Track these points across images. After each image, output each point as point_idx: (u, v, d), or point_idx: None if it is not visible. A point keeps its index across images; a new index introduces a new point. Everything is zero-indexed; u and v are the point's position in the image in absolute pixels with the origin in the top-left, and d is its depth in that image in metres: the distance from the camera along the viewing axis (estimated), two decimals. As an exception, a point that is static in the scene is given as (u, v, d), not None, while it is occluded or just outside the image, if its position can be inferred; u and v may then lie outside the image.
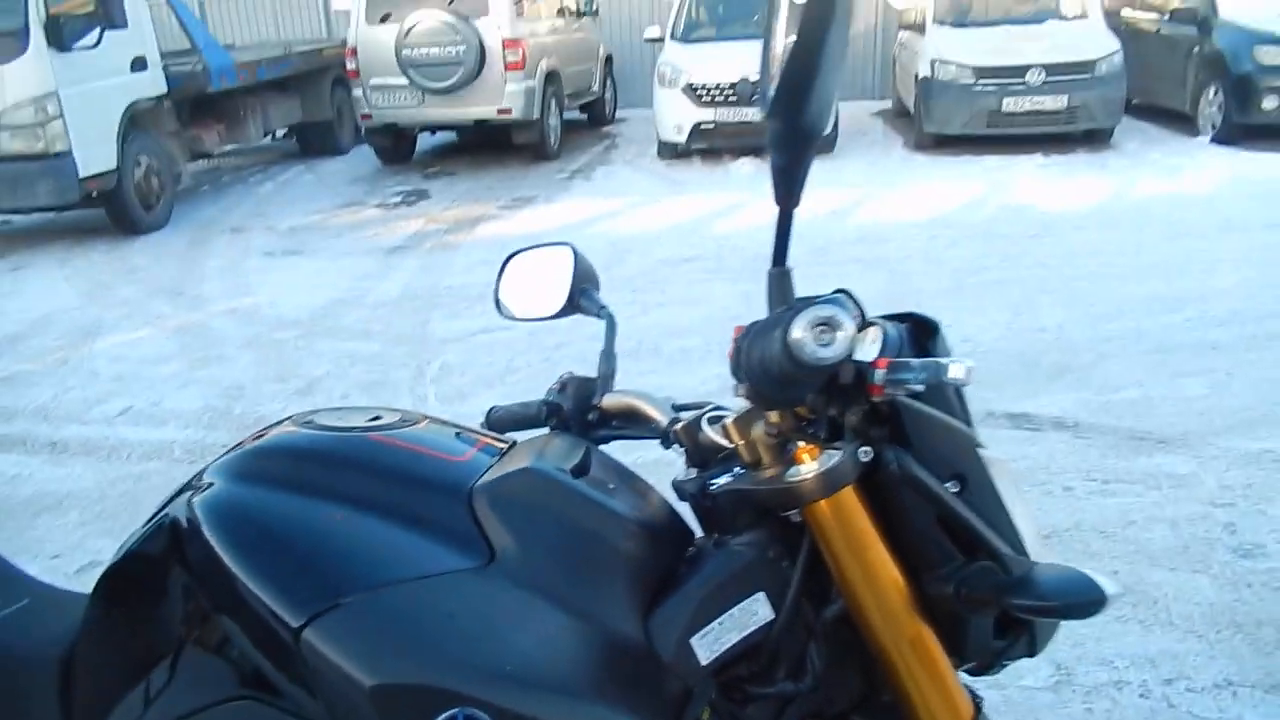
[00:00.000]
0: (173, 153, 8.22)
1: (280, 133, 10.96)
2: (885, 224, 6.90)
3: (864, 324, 0.90)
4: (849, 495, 0.92)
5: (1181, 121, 9.79)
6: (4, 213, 7.49)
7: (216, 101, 8.95)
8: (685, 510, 1.05)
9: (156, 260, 7.03)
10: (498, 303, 1.27)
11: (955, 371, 0.85)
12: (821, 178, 7.88)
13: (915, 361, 0.87)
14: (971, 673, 1.07)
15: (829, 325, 0.85)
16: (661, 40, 10.26)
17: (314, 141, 10.88)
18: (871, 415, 0.92)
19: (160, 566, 0.93)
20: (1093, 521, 3.03)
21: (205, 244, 7.46)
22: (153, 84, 7.84)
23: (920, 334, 1.00)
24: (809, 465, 0.92)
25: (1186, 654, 2.39)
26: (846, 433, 0.93)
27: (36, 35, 6.79)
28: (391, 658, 0.82)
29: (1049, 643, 1.05)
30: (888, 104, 12.41)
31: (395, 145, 10.12)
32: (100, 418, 4.30)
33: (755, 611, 0.93)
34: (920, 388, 0.87)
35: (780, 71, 0.79)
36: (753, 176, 8.82)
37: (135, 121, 7.63)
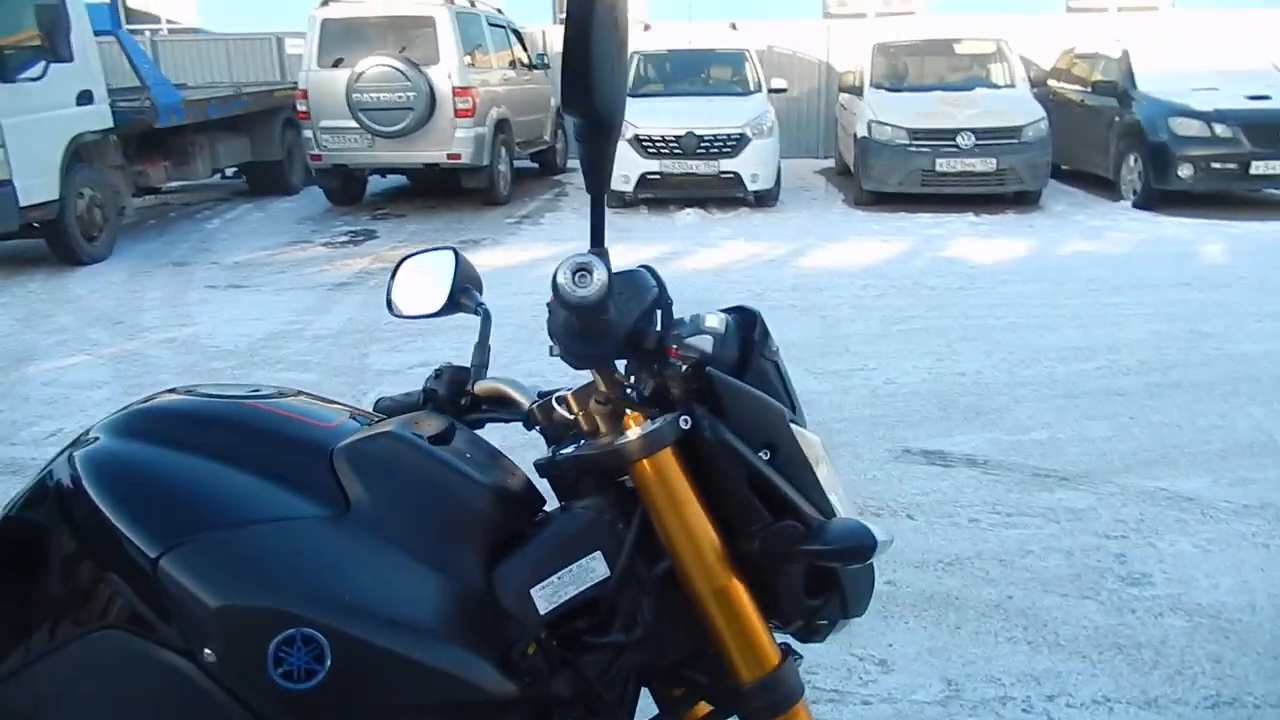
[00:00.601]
0: (118, 186, 8.22)
1: (230, 171, 10.98)
2: (821, 274, 7.12)
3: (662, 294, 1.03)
4: (669, 457, 1.03)
5: (1105, 186, 10.26)
6: (-61, 240, 7.40)
7: (164, 138, 8.98)
8: (547, 489, 1.15)
9: (96, 290, 7.00)
10: (389, 302, 1.37)
11: (711, 321, 1.04)
12: (763, 230, 8.14)
13: (685, 319, 0.99)
14: (801, 638, 1.16)
15: (585, 270, 0.96)
16: (610, 93, 10.52)
17: (264, 181, 10.92)
18: (695, 391, 1.03)
19: (41, 516, 1.00)
20: (994, 551, 3.16)
21: (147, 276, 7.44)
22: (98, 118, 7.85)
23: (746, 325, 1.11)
24: (634, 430, 1.03)
25: (1070, 673, 2.52)
26: (677, 408, 1.04)
27: (-19, 66, 6.80)
28: (238, 584, 0.90)
29: (864, 606, 1.14)
30: (830, 162, 12.81)
31: (345, 186, 10.19)
32: (28, 439, 4.28)
33: (593, 569, 1.02)
34: (708, 349, 1.00)
35: (560, 67, 0.91)
36: (696, 225, 9.04)
37: (79, 154, 7.63)
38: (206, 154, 9.62)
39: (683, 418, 1.04)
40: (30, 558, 1.00)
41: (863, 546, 0.97)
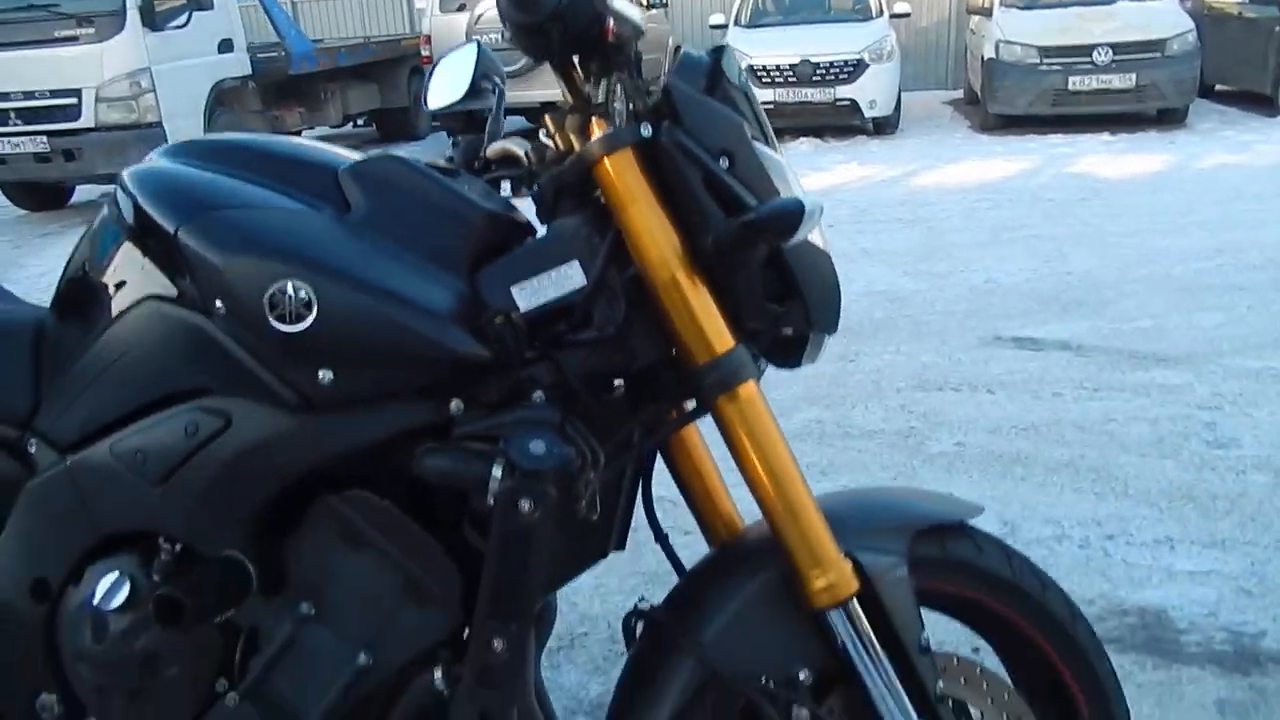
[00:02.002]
0: (257, 129, 8.76)
1: (361, 121, 11.49)
2: (933, 191, 6.93)
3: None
4: (628, 158, 1.08)
5: (1263, 103, 9.51)
6: (102, 179, 8.07)
7: (298, 85, 9.49)
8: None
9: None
10: (424, 99, 1.48)
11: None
12: (878, 155, 7.95)
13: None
14: (777, 361, 1.21)
15: None
16: (726, 27, 10.44)
17: (392, 127, 11.38)
18: (661, 109, 1.08)
19: (104, 222, 1.17)
20: (1073, 419, 3.09)
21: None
22: (238, 65, 8.39)
23: (716, 66, 1.14)
24: (596, 133, 1.10)
25: (1134, 518, 2.46)
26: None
27: (133, 16, 7.37)
28: (239, 246, 1.03)
29: (830, 319, 1.17)
30: (959, 93, 12.32)
31: (467, 127, 10.47)
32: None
33: (570, 276, 1.09)
34: (636, 19, 1.05)
35: None
36: (808, 153, 8.91)
37: (221, 99, 8.18)
38: (338, 100, 10.11)
39: (644, 125, 1.09)
40: (97, 268, 1.17)
41: (790, 211, 1.01)
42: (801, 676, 1.08)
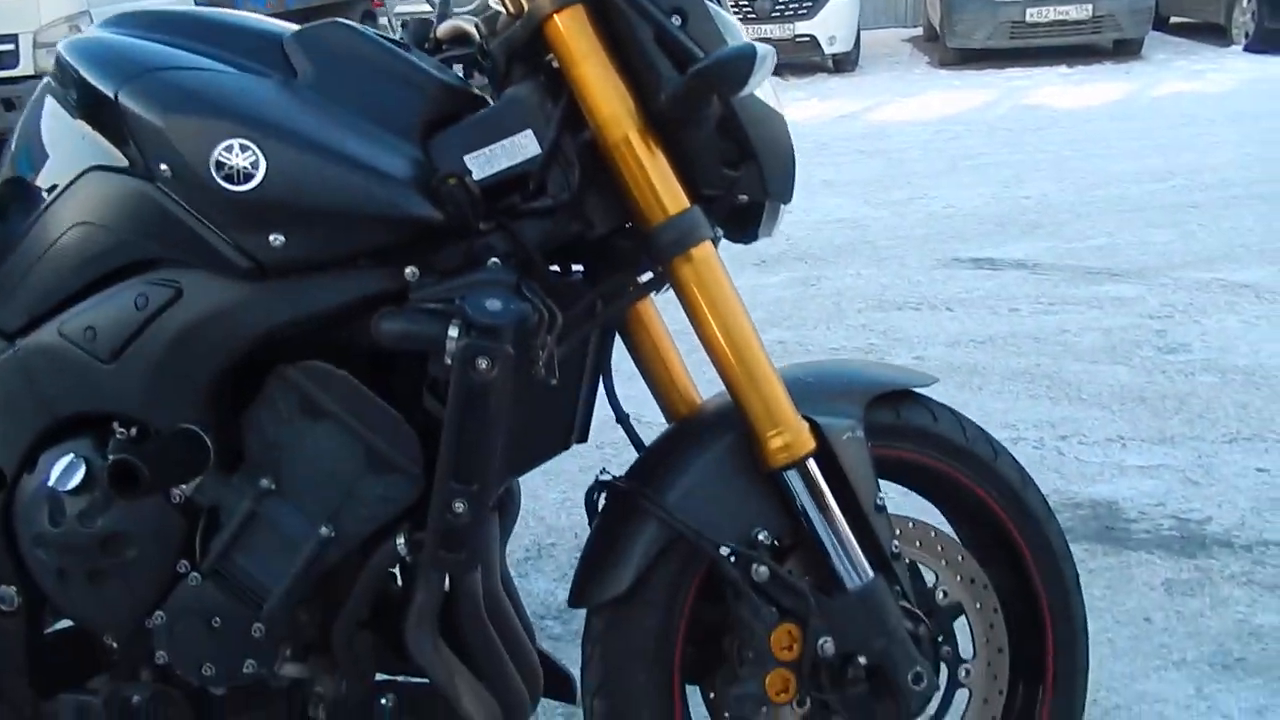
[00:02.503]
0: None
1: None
2: (892, 124, 6.94)
3: None
4: (579, 14, 1.06)
5: (1216, 34, 9.59)
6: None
7: (247, 27, 9.23)
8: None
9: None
10: None
11: None
12: (837, 90, 7.92)
13: None
14: (735, 236, 1.21)
15: None
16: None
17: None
18: None
19: (44, 93, 1.14)
20: (1029, 331, 3.14)
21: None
22: (181, 7, 8.14)
23: None
24: None
25: (1087, 419, 2.52)
26: None
27: (70, -45, 7.10)
28: (182, 105, 1.01)
29: (785, 186, 1.17)
30: (919, 31, 12.27)
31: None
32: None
33: (524, 145, 1.07)
34: None
35: None
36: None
37: (167, 41, 7.93)
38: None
39: None
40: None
41: (742, 57, 1.00)
42: (761, 537, 1.10)
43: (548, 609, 1.97)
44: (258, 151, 0.98)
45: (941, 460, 1.23)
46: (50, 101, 1.13)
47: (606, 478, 1.19)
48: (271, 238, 0.99)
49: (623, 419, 1.28)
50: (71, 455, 1.07)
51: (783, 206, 1.21)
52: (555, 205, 1.07)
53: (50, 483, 1.07)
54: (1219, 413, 2.50)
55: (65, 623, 1.22)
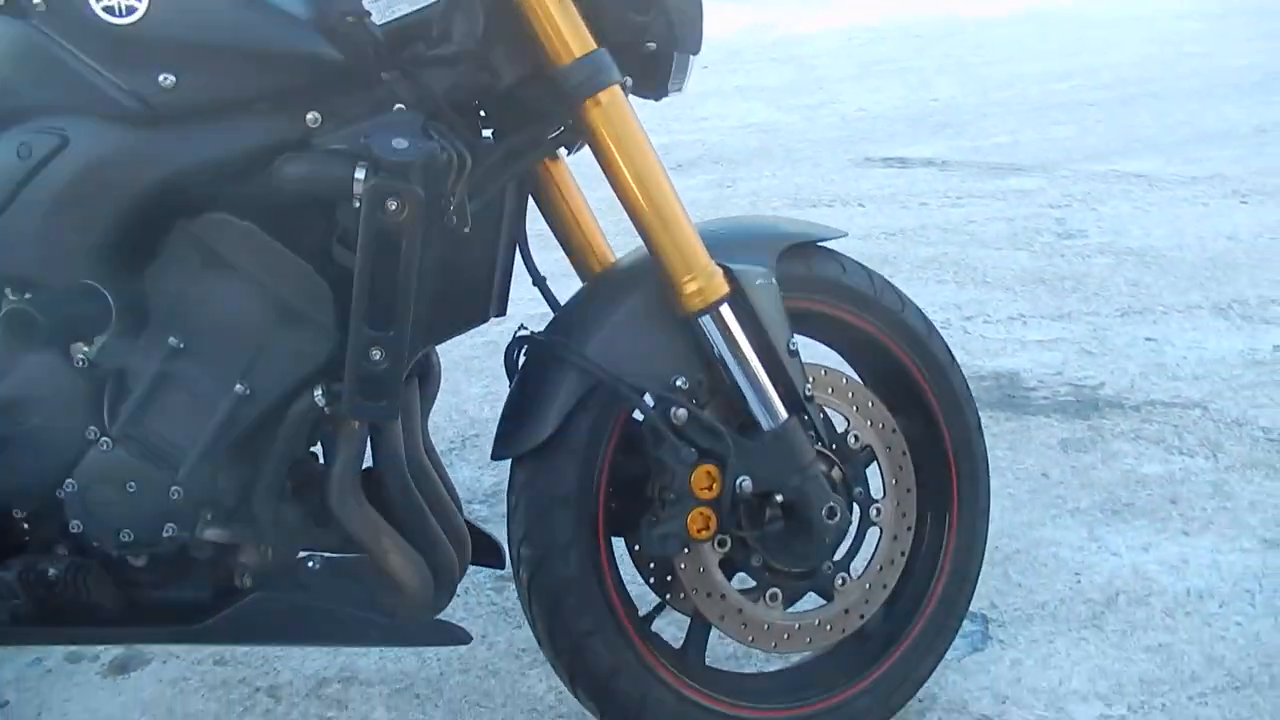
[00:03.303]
0: None
1: None
2: (803, 34, 6.92)
3: None
4: None
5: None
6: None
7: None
8: None
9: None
10: None
11: None
12: (746, 1, 7.69)
13: None
14: (646, 93, 1.21)
15: None
16: None
17: None
18: None
19: None
20: (937, 223, 3.21)
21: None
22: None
23: None
24: None
25: (991, 300, 2.61)
26: None
27: None
28: None
29: (693, 37, 1.15)
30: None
31: None
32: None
33: None
34: None
35: None
36: None
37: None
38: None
39: None
40: None
41: None
42: (679, 383, 1.13)
43: (474, 494, 1.99)
44: None
45: (851, 311, 1.26)
46: None
47: (525, 333, 1.20)
48: (161, 77, 0.95)
49: (539, 280, 1.29)
50: None
51: (692, 59, 1.21)
52: (460, 53, 1.05)
53: None
54: (1112, 290, 2.61)
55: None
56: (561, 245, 1.32)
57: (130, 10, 0.94)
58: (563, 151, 1.23)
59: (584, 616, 1.12)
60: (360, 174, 0.96)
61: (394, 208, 0.96)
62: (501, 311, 1.23)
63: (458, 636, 1.19)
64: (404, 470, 1.19)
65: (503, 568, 1.34)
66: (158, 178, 0.99)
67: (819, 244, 1.26)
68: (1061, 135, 4.09)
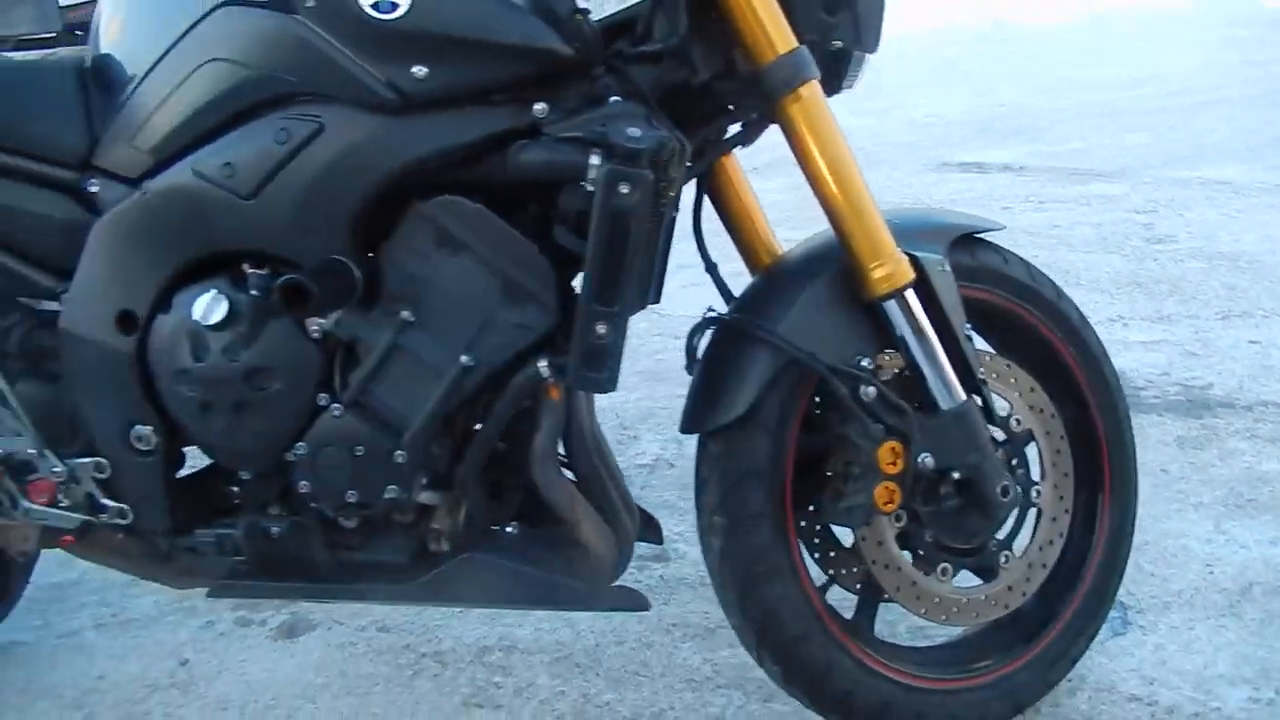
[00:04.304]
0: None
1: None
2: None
3: None
4: None
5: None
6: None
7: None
8: None
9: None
10: None
11: None
12: None
13: None
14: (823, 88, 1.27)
15: None
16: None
17: None
18: None
19: None
20: (1023, 227, 3.25)
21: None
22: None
23: None
24: None
25: (1088, 302, 2.63)
26: None
27: None
28: None
29: (874, 37, 1.23)
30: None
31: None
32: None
33: None
34: None
35: None
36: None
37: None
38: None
39: None
40: None
41: None
42: (864, 363, 1.18)
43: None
44: None
45: (1012, 300, 1.31)
46: None
47: (713, 314, 1.26)
48: (415, 69, 1.03)
49: (711, 268, 1.35)
50: (214, 291, 1.11)
51: (868, 58, 1.28)
52: (664, 50, 1.11)
53: (195, 318, 1.11)
54: (1209, 294, 2.64)
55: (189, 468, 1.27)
56: (731, 236, 1.37)
57: (394, 7, 1.01)
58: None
59: (774, 584, 1.18)
60: (595, 160, 1.03)
61: (626, 191, 1.02)
62: (656, 299, 1.30)
63: (639, 602, 1.25)
64: (591, 445, 1.26)
65: (660, 543, 1.41)
66: (403, 161, 1.06)
67: (978, 235, 1.32)
68: (1136, 142, 4.11)
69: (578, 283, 1.10)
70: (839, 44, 1.20)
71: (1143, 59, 5.59)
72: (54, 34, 7.19)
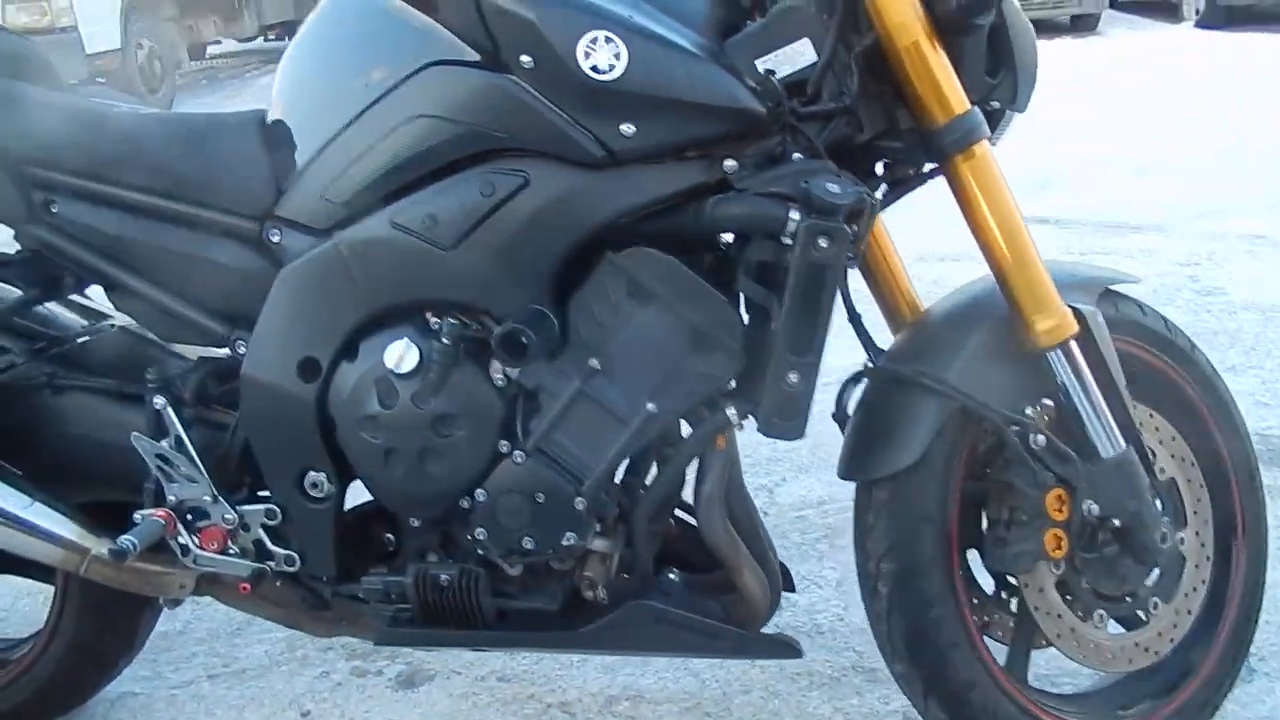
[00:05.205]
0: (173, 38, 8.34)
1: (273, 34, 11.00)
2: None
3: None
4: None
5: (1168, 11, 9.99)
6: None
7: (213, -10, 9.06)
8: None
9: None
10: None
11: None
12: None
13: None
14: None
15: None
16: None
17: (308, 41, 10.93)
18: None
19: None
20: (1070, 278, 3.30)
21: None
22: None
23: None
24: None
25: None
26: None
27: (37, -89, 6.87)
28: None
29: (1027, 96, 1.27)
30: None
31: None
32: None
33: (802, 53, 1.13)
34: None
35: None
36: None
37: (135, 4, 7.74)
38: (253, 9, 9.67)
39: None
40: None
41: None
42: (1028, 412, 1.21)
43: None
44: (620, 44, 1.04)
45: (1150, 350, 1.35)
46: (370, 2, 1.17)
47: (869, 366, 1.29)
48: (623, 127, 1.06)
49: (855, 319, 1.38)
50: (406, 340, 1.13)
51: (1016, 116, 1.32)
52: (835, 109, 1.15)
53: (385, 367, 1.13)
54: (1270, 345, 2.69)
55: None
56: (872, 290, 1.41)
57: (611, 68, 1.05)
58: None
59: (946, 630, 1.20)
60: (795, 214, 1.06)
61: (825, 245, 1.06)
62: None
63: (793, 650, 1.26)
64: (746, 493, 1.28)
65: (793, 590, 1.42)
66: (603, 216, 1.09)
67: (1113, 288, 1.36)
68: (1167, 196, 4.19)
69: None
70: (996, 104, 1.25)
71: (1160, 112, 5.72)
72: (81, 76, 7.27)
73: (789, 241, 1.07)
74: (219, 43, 10.55)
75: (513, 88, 1.07)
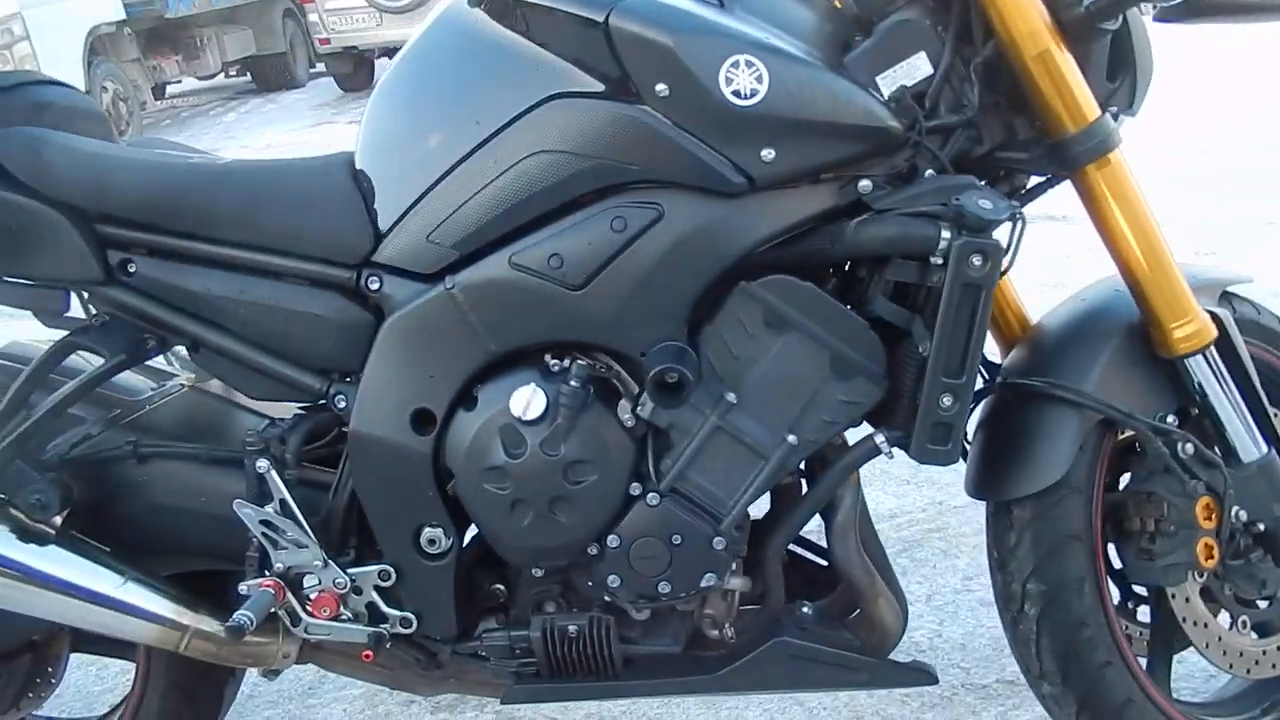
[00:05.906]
0: (136, 80, 8.20)
1: (234, 70, 10.86)
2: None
3: None
4: None
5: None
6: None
7: (174, 31, 8.93)
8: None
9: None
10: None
11: None
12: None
13: None
14: None
15: None
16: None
17: (269, 75, 10.78)
18: None
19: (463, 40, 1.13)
20: (1093, 275, 3.30)
21: (182, 164, 7.46)
22: (112, 8, 7.80)
23: None
24: None
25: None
26: None
27: (-5, -43, 6.74)
28: (686, 22, 1.01)
29: (1141, 100, 1.23)
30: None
31: (355, 71, 10.08)
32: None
33: (919, 66, 1.10)
34: None
35: None
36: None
37: (97, 48, 7.62)
38: (214, 47, 9.54)
39: None
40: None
41: None
42: (1170, 420, 1.17)
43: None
44: (762, 67, 1.00)
45: (1266, 348, 1.32)
46: (474, 35, 1.11)
47: (988, 381, 1.24)
48: (764, 152, 1.01)
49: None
50: (532, 385, 1.07)
51: (1127, 120, 1.29)
52: (958, 122, 1.11)
53: (510, 414, 1.07)
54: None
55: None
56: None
57: (754, 93, 1.00)
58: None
59: (1100, 648, 1.15)
60: (946, 233, 1.02)
61: (979, 263, 1.02)
62: None
63: (930, 676, 1.21)
64: (870, 516, 1.23)
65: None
66: (742, 244, 1.04)
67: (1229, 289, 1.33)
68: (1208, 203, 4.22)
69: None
70: (1114, 109, 1.20)
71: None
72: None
73: (938, 261, 1.03)
74: (179, 81, 10.39)
75: (645, 117, 1.02)
